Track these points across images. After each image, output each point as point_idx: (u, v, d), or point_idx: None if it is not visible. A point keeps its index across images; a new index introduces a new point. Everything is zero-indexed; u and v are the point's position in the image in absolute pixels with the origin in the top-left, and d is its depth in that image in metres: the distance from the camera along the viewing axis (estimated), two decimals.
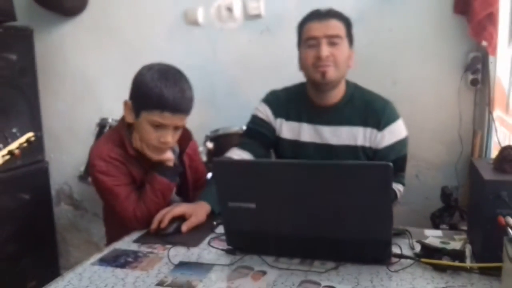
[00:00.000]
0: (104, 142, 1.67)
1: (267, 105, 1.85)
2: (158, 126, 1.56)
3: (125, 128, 1.64)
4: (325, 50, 1.65)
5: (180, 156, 1.76)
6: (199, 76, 2.61)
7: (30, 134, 1.48)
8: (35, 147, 2.63)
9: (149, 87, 1.53)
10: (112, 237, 1.68)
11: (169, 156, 1.66)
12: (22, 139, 1.46)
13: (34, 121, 2.63)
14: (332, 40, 1.66)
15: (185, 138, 1.78)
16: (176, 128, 1.60)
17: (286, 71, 2.37)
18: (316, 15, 1.71)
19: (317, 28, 1.67)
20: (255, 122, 1.86)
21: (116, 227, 1.70)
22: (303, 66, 1.74)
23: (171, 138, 1.58)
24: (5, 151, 1.42)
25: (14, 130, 1.51)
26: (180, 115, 1.57)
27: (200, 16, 2.55)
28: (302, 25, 1.74)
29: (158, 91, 1.52)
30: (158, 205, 1.62)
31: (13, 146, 1.44)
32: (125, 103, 1.63)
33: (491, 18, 2.00)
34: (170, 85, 1.53)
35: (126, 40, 2.70)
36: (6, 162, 1.43)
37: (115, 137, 1.66)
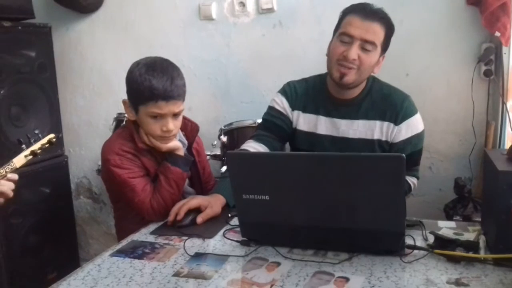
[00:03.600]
0: (115, 138, 1.71)
1: (284, 96, 1.84)
2: (156, 117, 1.61)
3: (133, 124, 1.69)
4: (354, 53, 1.63)
5: (189, 149, 1.79)
6: (213, 70, 2.65)
7: (51, 136, 1.51)
8: (54, 142, 2.67)
9: (139, 82, 1.58)
10: (121, 233, 1.71)
11: (177, 144, 1.69)
12: (44, 140, 1.49)
13: (53, 116, 2.66)
14: (365, 46, 1.63)
15: (193, 130, 1.82)
16: (175, 115, 1.63)
17: (299, 64, 2.40)
18: (363, 11, 1.65)
19: (357, 27, 1.63)
20: (272, 114, 1.85)
21: (125, 224, 1.74)
22: (329, 56, 1.71)
23: (172, 125, 1.62)
24: (28, 151, 1.45)
25: (36, 131, 1.53)
26: (174, 101, 1.60)
27: (214, 11, 2.55)
28: (344, 14, 1.70)
29: (148, 83, 1.57)
30: (173, 195, 1.65)
31: (35, 146, 1.46)
32: (124, 102, 1.69)
33: (504, 8, 1.97)
34: (158, 75, 1.58)
35: (141, 36, 2.73)
36: (28, 162, 1.46)
37: (125, 133, 1.71)
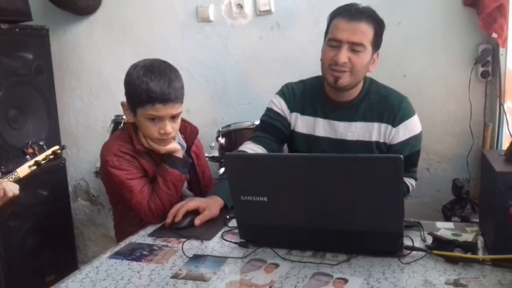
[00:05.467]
0: (114, 140, 1.71)
1: (282, 98, 1.84)
2: (154, 119, 1.60)
3: (132, 126, 1.69)
4: (344, 56, 1.63)
5: (188, 151, 1.79)
6: (211, 72, 2.65)
7: (56, 147, 1.51)
8: (52, 144, 2.64)
9: (136, 84, 1.58)
10: (120, 235, 1.71)
11: (176, 146, 1.69)
12: (49, 151, 1.49)
13: (51, 119, 2.66)
14: (354, 47, 1.63)
15: (192, 133, 1.82)
16: (173, 117, 1.63)
17: (297, 66, 2.40)
18: (347, 13, 1.64)
19: (343, 30, 1.63)
20: (270, 115, 1.85)
21: (124, 226, 1.74)
22: (321, 61, 1.72)
23: (170, 128, 1.62)
24: (32, 162, 1.45)
25: (41, 143, 1.54)
26: (172, 104, 1.60)
27: (212, 13, 2.55)
28: (331, 18, 1.70)
29: (145, 86, 1.56)
30: (171, 197, 1.65)
31: (40, 157, 1.46)
32: (122, 105, 1.68)
33: (501, 10, 1.97)
34: (156, 78, 1.57)
35: (139, 38, 2.73)
36: (32, 172, 1.45)
37: (124, 135, 1.71)
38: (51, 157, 1.49)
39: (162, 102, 1.57)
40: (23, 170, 1.44)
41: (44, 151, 1.50)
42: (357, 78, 1.69)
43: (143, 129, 1.64)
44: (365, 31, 1.63)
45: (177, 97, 1.61)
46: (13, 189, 1.40)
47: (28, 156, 1.47)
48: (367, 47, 1.64)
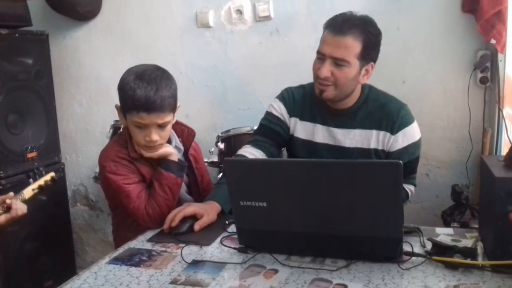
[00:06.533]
0: (111, 145, 1.72)
1: (282, 102, 1.83)
2: (140, 127, 1.59)
3: (127, 131, 1.68)
4: (326, 71, 1.61)
5: (185, 154, 1.79)
6: (211, 77, 2.65)
7: (52, 174, 1.55)
8: (51, 149, 2.67)
9: (125, 90, 1.57)
10: (119, 240, 1.71)
11: (168, 150, 1.68)
12: (47, 177, 1.53)
13: (50, 124, 2.67)
14: (337, 62, 1.61)
15: (189, 136, 1.81)
16: (160, 126, 1.61)
17: (296, 72, 2.40)
18: (334, 25, 1.62)
19: (328, 44, 1.62)
20: (269, 119, 1.84)
21: (122, 231, 1.74)
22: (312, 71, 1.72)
23: (156, 136, 1.60)
24: (36, 185, 1.49)
25: (41, 168, 1.58)
26: (157, 113, 1.57)
27: (211, 18, 2.56)
28: (324, 29, 1.68)
29: (132, 93, 1.55)
30: (168, 201, 1.64)
31: (41, 182, 1.51)
32: (116, 108, 1.68)
33: (500, 16, 1.99)
34: (143, 86, 1.55)
35: (139, 43, 2.73)
36: (36, 195, 1.50)
37: (121, 140, 1.71)
38: (49, 183, 1.52)
39: (147, 110, 1.55)
40: (28, 192, 1.49)
41: (43, 176, 1.54)
42: (343, 91, 1.67)
43: (132, 135, 1.64)
44: (349, 46, 1.60)
45: (163, 106, 1.57)
46: (22, 208, 1.45)
47: (31, 180, 1.51)
48: (351, 62, 1.61)
